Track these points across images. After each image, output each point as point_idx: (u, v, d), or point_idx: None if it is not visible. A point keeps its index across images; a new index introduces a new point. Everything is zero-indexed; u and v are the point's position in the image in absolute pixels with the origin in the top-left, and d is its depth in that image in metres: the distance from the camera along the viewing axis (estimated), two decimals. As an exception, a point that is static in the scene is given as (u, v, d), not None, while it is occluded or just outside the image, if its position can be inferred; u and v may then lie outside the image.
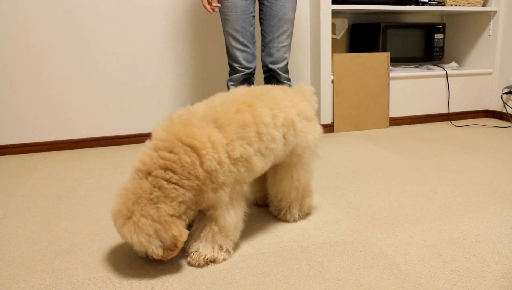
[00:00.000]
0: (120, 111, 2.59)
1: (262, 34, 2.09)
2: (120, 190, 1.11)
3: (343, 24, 2.93)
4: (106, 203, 1.67)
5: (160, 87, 2.63)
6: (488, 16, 2.97)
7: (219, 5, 1.98)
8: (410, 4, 2.82)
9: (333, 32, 2.91)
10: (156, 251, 1.08)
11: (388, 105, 2.84)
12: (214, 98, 1.26)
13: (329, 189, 1.75)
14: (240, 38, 2.02)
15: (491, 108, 3.09)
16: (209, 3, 1.99)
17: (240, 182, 1.21)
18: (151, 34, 2.55)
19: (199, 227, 1.21)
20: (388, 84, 2.83)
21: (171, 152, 1.09)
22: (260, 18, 2.07)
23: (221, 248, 1.20)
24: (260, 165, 1.22)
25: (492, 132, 2.64)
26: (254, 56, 2.09)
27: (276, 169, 1.37)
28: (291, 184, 1.38)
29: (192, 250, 1.20)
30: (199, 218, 1.23)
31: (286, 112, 1.28)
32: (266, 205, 1.57)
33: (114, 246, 1.32)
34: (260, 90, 1.32)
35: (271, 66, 2.10)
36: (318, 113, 2.74)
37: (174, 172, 1.08)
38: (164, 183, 1.07)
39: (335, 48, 2.94)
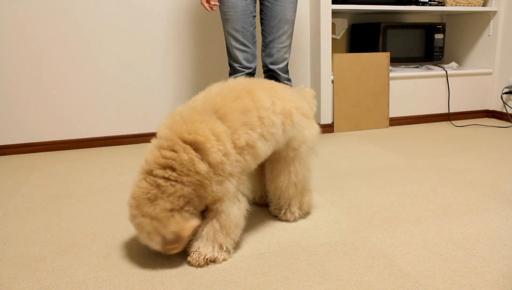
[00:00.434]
0: (120, 111, 2.59)
1: (262, 35, 2.09)
2: (128, 199, 1.15)
3: (343, 24, 2.93)
4: (106, 203, 1.67)
5: (160, 87, 2.63)
6: (488, 16, 2.97)
7: (217, 3, 1.98)
8: (410, 4, 2.82)
9: (333, 32, 2.91)
10: (156, 247, 1.12)
11: (388, 105, 2.84)
12: (212, 88, 1.26)
13: (329, 189, 1.75)
14: (240, 38, 2.02)
15: (491, 108, 3.09)
16: (208, 1, 1.99)
17: (245, 170, 1.22)
18: (151, 34, 2.55)
19: (201, 225, 1.22)
20: (388, 84, 2.83)
21: (172, 150, 1.11)
22: (261, 19, 2.07)
23: (221, 247, 1.20)
24: (264, 149, 1.23)
25: (492, 132, 2.64)
26: (254, 56, 2.09)
27: (273, 163, 1.38)
28: (288, 179, 1.38)
29: (192, 250, 1.20)
30: (205, 216, 1.23)
31: (284, 102, 1.29)
32: (266, 205, 1.57)
33: (114, 246, 1.32)
34: (260, 80, 1.34)
35: (271, 66, 2.10)
36: (318, 113, 2.74)
37: (173, 170, 1.10)
38: (161, 181, 1.09)
39: (335, 48, 2.94)
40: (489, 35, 2.99)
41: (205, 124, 1.13)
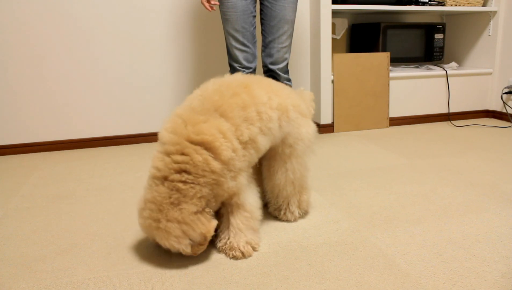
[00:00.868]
0: (120, 111, 2.59)
1: (262, 35, 2.09)
2: (141, 204, 1.15)
3: (343, 24, 2.93)
4: (106, 203, 1.67)
5: (160, 87, 2.63)
6: (488, 16, 2.97)
7: (217, 3, 1.98)
8: (410, 4, 2.82)
9: (333, 32, 2.91)
10: (187, 250, 1.13)
11: (388, 105, 2.84)
12: (207, 85, 1.27)
13: (329, 189, 1.75)
14: (240, 38, 2.02)
15: (491, 108, 3.09)
16: (208, 1, 1.99)
17: (251, 164, 1.24)
18: (151, 34, 2.55)
19: (226, 222, 1.24)
20: (388, 84, 2.83)
21: (182, 154, 1.11)
22: (261, 19, 2.07)
23: (255, 231, 1.26)
24: (264, 144, 1.24)
25: (492, 132, 2.64)
26: (254, 56, 2.09)
27: (270, 161, 1.38)
28: (286, 177, 1.38)
29: (231, 245, 1.22)
30: (222, 215, 1.26)
31: (281, 98, 1.30)
32: (265, 205, 1.56)
33: (114, 246, 1.32)
34: (256, 76, 1.35)
35: (271, 66, 2.10)
36: (318, 113, 2.74)
37: (188, 173, 1.11)
38: (180, 185, 1.10)
39: (335, 48, 2.94)
40: (489, 35, 2.99)
41: (210, 124, 1.14)
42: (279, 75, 2.12)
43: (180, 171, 1.11)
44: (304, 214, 1.48)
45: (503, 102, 2.95)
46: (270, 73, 2.13)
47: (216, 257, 1.23)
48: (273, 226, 1.42)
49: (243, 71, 2.08)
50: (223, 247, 1.24)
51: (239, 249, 1.21)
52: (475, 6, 2.93)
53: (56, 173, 2.08)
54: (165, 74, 2.62)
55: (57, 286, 1.11)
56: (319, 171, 1.98)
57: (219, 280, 1.12)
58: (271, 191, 1.43)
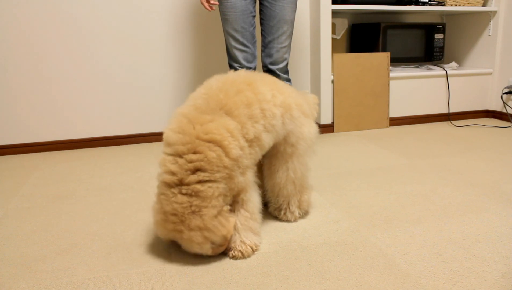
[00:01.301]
0: (120, 111, 2.59)
1: (262, 35, 2.09)
2: (159, 215, 1.15)
3: (343, 24, 2.93)
4: (106, 203, 1.67)
5: (160, 87, 2.63)
6: (488, 16, 2.97)
7: (216, 3, 1.98)
8: (410, 4, 2.82)
9: (333, 32, 2.91)
10: (208, 253, 1.16)
11: (388, 105, 2.84)
12: (211, 83, 1.26)
13: (329, 189, 1.75)
14: (240, 38, 2.02)
15: (491, 108, 3.09)
16: (207, 1, 1.99)
17: (256, 161, 1.25)
18: (151, 34, 2.55)
19: None
20: (388, 84, 2.83)
21: (195, 152, 1.11)
22: (260, 19, 2.07)
23: (255, 233, 1.25)
24: (267, 141, 1.25)
25: (492, 132, 2.64)
26: (254, 56, 2.09)
27: (271, 159, 1.39)
28: (287, 176, 1.38)
29: (230, 245, 1.22)
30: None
31: (284, 96, 1.30)
32: (265, 205, 1.56)
33: (114, 246, 1.32)
34: (260, 73, 1.36)
35: (270, 66, 2.10)
36: (318, 113, 2.74)
37: (204, 171, 1.11)
38: (198, 186, 1.10)
39: (335, 48, 2.94)
40: (489, 35, 2.99)
41: (217, 123, 1.14)
42: (278, 75, 2.12)
43: (195, 171, 1.11)
44: (304, 214, 1.48)
45: (503, 102, 2.95)
46: (270, 73, 2.13)
47: (216, 257, 1.23)
48: (273, 226, 1.42)
49: (243, 71, 2.08)
50: (232, 246, 1.25)
51: (236, 249, 1.21)
52: (475, 6, 2.93)
53: (56, 173, 2.08)
54: (165, 74, 2.62)
55: (57, 286, 1.11)
56: (319, 171, 1.98)
57: (219, 280, 1.12)
58: (271, 190, 1.43)
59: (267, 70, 2.13)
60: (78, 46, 2.46)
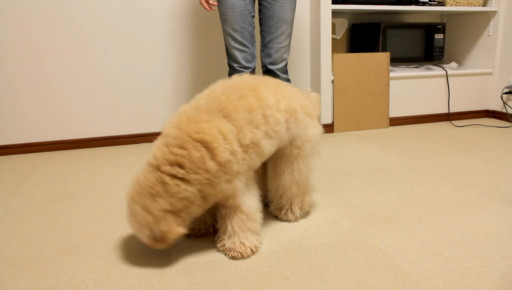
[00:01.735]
0: (120, 111, 2.59)
1: (261, 35, 2.09)
2: (133, 180, 1.17)
3: (343, 24, 2.93)
4: (106, 203, 1.67)
5: (160, 87, 2.63)
6: (488, 16, 2.97)
7: (215, 3, 1.98)
8: (410, 4, 2.82)
9: (333, 32, 2.91)
10: (143, 240, 1.14)
11: (388, 105, 2.84)
12: (216, 86, 1.26)
13: (329, 189, 1.75)
14: (239, 38, 2.02)
15: (491, 108, 3.09)
16: (207, 1, 1.99)
17: (252, 168, 1.23)
18: (151, 34, 2.55)
19: (224, 223, 1.24)
20: (388, 84, 2.83)
21: (181, 147, 1.12)
22: (260, 19, 2.07)
23: (254, 233, 1.25)
24: (268, 147, 1.24)
25: (492, 132, 2.64)
26: (253, 56, 2.09)
27: (276, 161, 1.38)
28: (292, 178, 1.38)
29: (228, 246, 1.22)
30: (221, 216, 1.26)
31: (289, 100, 1.29)
32: (266, 205, 1.56)
33: (114, 246, 1.32)
34: (265, 77, 1.34)
35: (270, 66, 2.10)
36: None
37: (182, 167, 1.11)
38: (167, 178, 1.10)
39: (335, 48, 2.94)
40: (489, 35, 2.99)
41: (211, 123, 1.14)
42: (278, 75, 2.12)
43: (173, 164, 1.11)
44: (305, 214, 1.48)
45: (503, 102, 2.95)
46: (269, 73, 2.13)
47: (216, 257, 1.23)
48: (273, 226, 1.43)
49: (242, 71, 2.07)
50: (221, 248, 1.25)
51: (235, 250, 1.21)
52: (475, 6, 2.93)
53: (56, 173, 2.08)
54: (165, 74, 2.62)
55: (57, 286, 1.11)
56: (319, 171, 1.98)
57: (219, 280, 1.12)
58: (275, 191, 1.42)
59: (266, 70, 2.13)
60: (78, 46, 2.46)
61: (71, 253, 1.28)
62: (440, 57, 3.09)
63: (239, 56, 2.05)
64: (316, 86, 2.76)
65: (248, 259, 1.22)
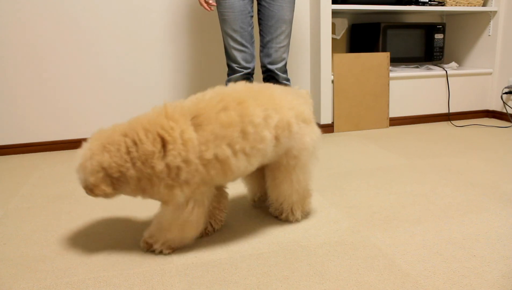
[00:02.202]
0: (120, 111, 2.59)
1: (260, 35, 2.09)
2: (105, 131, 1.20)
3: (343, 24, 2.93)
4: (106, 203, 1.67)
5: (160, 88, 2.63)
6: (488, 16, 2.97)
7: (214, 4, 1.98)
8: (410, 4, 2.82)
9: (333, 32, 2.91)
10: (79, 180, 1.19)
11: (388, 105, 2.84)
12: (207, 92, 1.25)
13: (329, 189, 1.75)
14: (238, 38, 2.02)
15: (491, 108, 3.09)
16: (206, 2, 1.99)
17: (208, 183, 1.20)
18: (151, 34, 2.55)
19: (158, 213, 1.27)
20: (388, 84, 2.83)
21: (145, 135, 1.13)
22: (259, 19, 2.07)
23: (152, 239, 1.27)
24: (241, 165, 1.19)
25: (492, 132, 2.64)
26: (252, 56, 2.09)
27: (274, 172, 1.35)
28: (291, 188, 1.36)
29: (146, 236, 1.28)
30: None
31: (283, 113, 1.25)
32: (265, 205, 1.56)
33: (114, 246, 1.32)
34: (259, 87, 1.29)
35: (269, 66, 2.10)
36: (318, 113, 2.74)
37: (136, 150, 1.13)
38: (122, 148, 1.13)
39: (335, 48, 2.94)
40: (489, 35, 2.99)
41: (178, 125, 1.14)
42: (277, 75, 2.11)
43: (133, 143, 1.13)
44: (305, 215, 1.48)
45: (503, 102, 2.95)
46: (268, 73, 2.13)
47: (216, 257, 1.23)
48: (273, 226, 1.42)
49: (242, 72, 2.07)
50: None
51: (146, 243, 1.27)
52: (475, 6, 2.93)
53: (56, 173, 2.08)
54: (165, 74, 2.62)
55: (57, 286, 1.12)
56: (319, 171, 1.98)
57: (219, 280, 1.12)
58: (275, 199, 1.41)
59: (265, 70, 2.13)
60: (79, 46, 2.46)
61: (71, 253, 1.28)
62: (440, 57, 3.09)
63: (238, 56, 2.05)
64: (316, 86, 2.76)
65: (248, 259, 1.22)
